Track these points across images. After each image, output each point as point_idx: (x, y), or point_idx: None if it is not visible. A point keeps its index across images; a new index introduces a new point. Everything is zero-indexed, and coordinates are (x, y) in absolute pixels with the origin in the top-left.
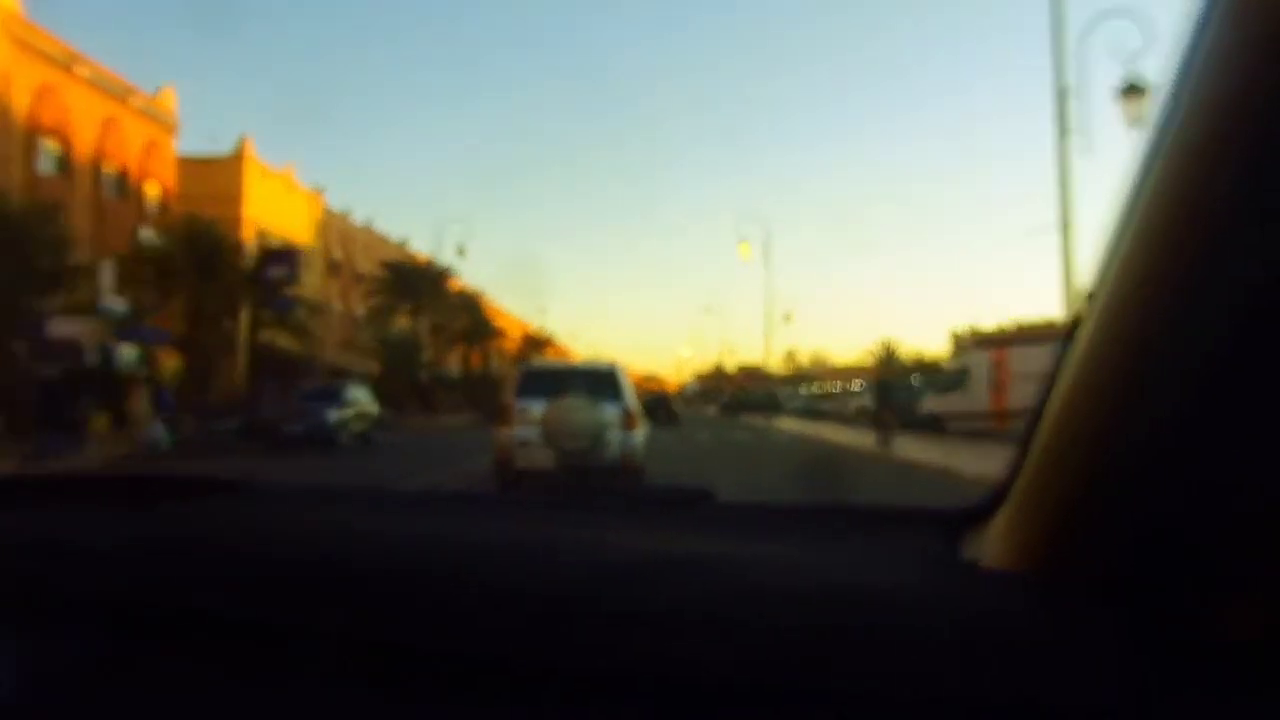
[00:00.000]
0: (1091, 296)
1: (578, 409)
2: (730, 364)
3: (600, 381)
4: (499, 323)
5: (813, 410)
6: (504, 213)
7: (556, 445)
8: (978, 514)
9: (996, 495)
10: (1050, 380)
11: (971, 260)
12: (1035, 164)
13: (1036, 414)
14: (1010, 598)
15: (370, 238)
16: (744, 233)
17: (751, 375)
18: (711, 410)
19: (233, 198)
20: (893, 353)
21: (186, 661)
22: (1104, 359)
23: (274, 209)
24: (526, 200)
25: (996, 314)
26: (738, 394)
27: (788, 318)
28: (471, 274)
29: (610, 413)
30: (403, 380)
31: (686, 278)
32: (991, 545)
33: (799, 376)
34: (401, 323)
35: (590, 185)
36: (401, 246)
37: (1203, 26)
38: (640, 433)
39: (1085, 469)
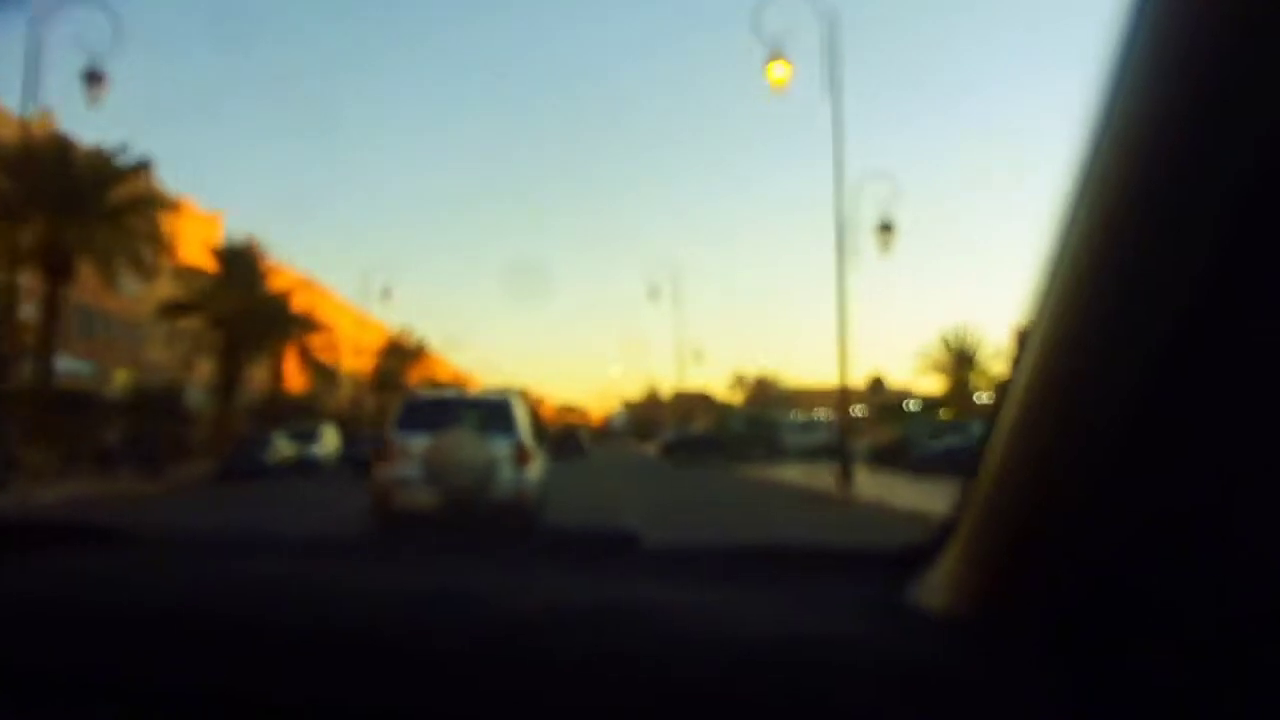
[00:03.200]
0: (1027, 335)
1: (463, 444)
2: (682, 388)
3: (492, 414)
4: (332, 318)
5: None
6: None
7: (440, 483)
8: (920, 556)
9: (940, 537)
10: (993, 420)
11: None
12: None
13: (982, 453)
14: (952, 645)
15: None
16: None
17: (695, 403)
18: (650, 451)
19: None
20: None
21: None
22: (1040, 400)
23: None
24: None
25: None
26: (720, 427)
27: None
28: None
29: (500, 447)
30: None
31: (622, 284)
32: (934, 589)
33: (761, 402)
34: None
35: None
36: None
37: (1128, 52)
38: (536, 469)
39: (1026, 512)
